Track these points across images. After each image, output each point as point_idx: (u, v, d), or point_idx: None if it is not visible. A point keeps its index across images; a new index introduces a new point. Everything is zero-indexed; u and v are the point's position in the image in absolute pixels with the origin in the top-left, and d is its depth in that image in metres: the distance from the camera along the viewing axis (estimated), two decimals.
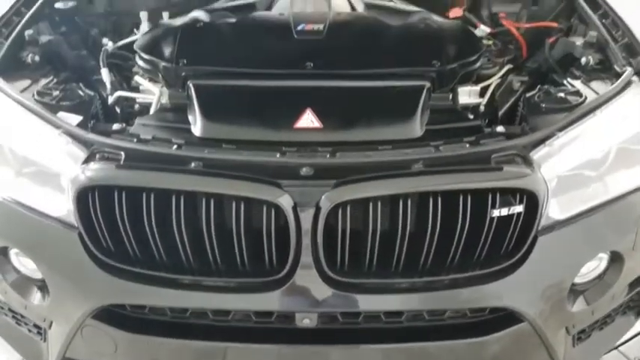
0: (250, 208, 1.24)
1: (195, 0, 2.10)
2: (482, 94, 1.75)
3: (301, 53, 1.59)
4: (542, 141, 1.35)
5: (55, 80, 1.68)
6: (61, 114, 1.48)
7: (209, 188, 1.23)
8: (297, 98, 1.48)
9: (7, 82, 1.57)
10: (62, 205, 1.32)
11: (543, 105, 1.53)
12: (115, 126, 1.48)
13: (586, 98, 1.52)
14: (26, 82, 1.62)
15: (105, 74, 1.74)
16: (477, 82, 1.75)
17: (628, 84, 1.51)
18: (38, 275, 1.41)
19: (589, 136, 1.40)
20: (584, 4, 1.86)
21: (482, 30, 1.98)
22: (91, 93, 1.65)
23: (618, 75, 1.56)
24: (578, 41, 1.74)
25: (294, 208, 1.21)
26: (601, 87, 1.57)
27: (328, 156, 1.31)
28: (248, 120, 1.44)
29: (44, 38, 1.78)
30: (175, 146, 1.33)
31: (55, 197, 1.33)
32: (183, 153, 1.29)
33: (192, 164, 1.26)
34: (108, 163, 1.27)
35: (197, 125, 1.43)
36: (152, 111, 1.62)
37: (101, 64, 1.75)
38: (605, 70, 1.65)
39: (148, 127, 1.47)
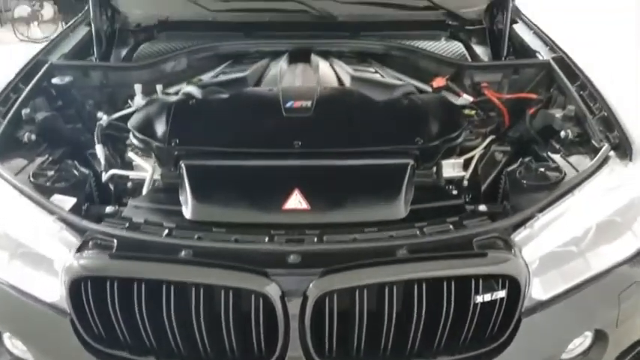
0: (239, 296, 1.27)
1: (188, 71, 2.18)
2: (465, 165, 1.81)
3: (290, 132, 1.64)
4: (522, 223, 1.39)
5: (50, 159, 1.72)
6: (56, 196, 1.52)
7: (198, 279, 1.27)
8: (285, 179, 1.52)
9: (4, 162, 1.61)
10: (55, 291, 1.34)
11: (524, 182, 1.58)
12: (108, 209, 1.52)
13: (565, 175, 1.57)
14: (23, 162, 1.66)
15: (99, 151, 1.78)
16: (460, 154, 1.80)
17: (605, 160, 1.57)
18: (30, 357, 1.42)
19: (568, 215, 1.44)
20: (562, 76, 1.93)
21: (465, 99, 2.04)
22: (86, 171, 1.69)
23: (596, 150, 1.61)
24: (558, 113, 1.81)
25: (282, 297, 1.24)
26: (580, 162, 1.62)
27: (315, 240, 1.35)
28: (238, 202, 1.48)
29: (40, 115, 1.82)
30: (166, 231, 1.37)
31: (48, 283, 1.35)
32: (174, 241, 1.32)
33: (183, 252, 1.29)
34: (100, 254, 1.30)
35: (188, 208, 1.46)
36: (145, 189, 1.65)
37: (96, 140, 1.80)
38: (583, 143, 1.70)
39: (140, 210, 1.50)
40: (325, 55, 2.18)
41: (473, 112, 1.99)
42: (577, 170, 1.58)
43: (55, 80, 1.96)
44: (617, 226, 1.50)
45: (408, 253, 1.29)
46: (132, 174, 1.74)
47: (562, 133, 1.74)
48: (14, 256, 1.43)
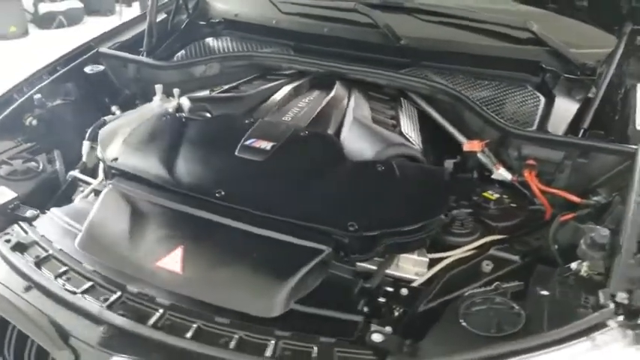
0: None
1: (220, 78, 2.07)
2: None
3: (223, 175, 1.44)
4: None
5: (36, 147, 1.79)
6: (1, 188, 1.57)
7: (18, 322, 1.22)
8: (181, 232, 1.32)
9: None
10: None
11: (464, 324, 1.12)
12: (29, 213, 1.51)
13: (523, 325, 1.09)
14: (9, 145, 1.76)
15: (85, 148, 1.80)
16: (438, 250, 1.38)
17: (593, 329, 1.01)
18: None
19: None
20: (636, 179, 1.32)
21: (501, 174, 1.56)
22: (54, 168, 1.72)
23: (597, 307, 1.06)
24: (593, 233, 1.23)
25: None
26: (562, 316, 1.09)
27: (158, 315, 1.17)
28: (123, 244, 1.32)
29: (53, 102, 1.90)
30: (43, 256, 1.35)
31: None
32: (34, 277, 1.27)
33: (23, 286, 1.23)
34: None
35: (80, 235, 1.36)
36: (77, 200, 1.61)
37: (87, 135, 1.81)
38: (593, 287, 1.14)
39: (52, 222, 1.47)
40: (354, 85, 1.87)
41: (495, 196, 1.51)
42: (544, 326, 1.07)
43: (86, 69, 2.03)
44: None
45: None
46: (87, 179, 1.71)
47: (573, 265, 1.20)
48: None
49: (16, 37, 6.92)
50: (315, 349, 1.09)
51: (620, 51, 1.64)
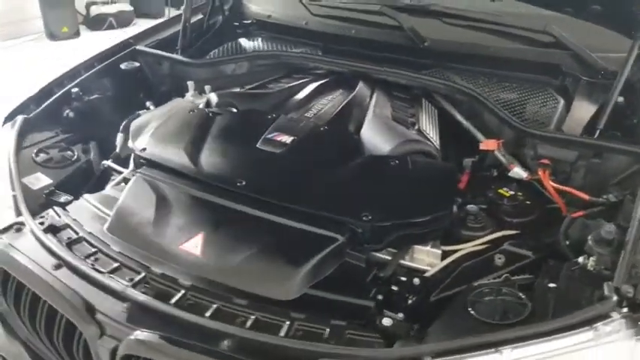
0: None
1: (248, 76, 2.15)
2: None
3: (245, 166, 1.51)
4: None
5: (67, 139, 1.87)
6: (38, 175, 1.68)
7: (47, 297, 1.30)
8: (203, 218, 1.39)
9: (33, 132, 1.83)
10: None
11: (471, 312, 1.16)
12: (63, 198, 1.61)
13: (529, 312, 1.13)
14: (46, 135, 1.86)
15: (119, 139, 1.89)
16: (453, 243, 1.42)
17: (597, 319, 1.03)
18: None
19: None
20: None
21: (517, 173, 1.58)
22: (87, 157, 1.82)
23: (602, 298, 1.08)
24: (605, 229, 1.24)
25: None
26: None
27: (179, 295, 1.23)
28: (149, 228, 1.38)
29: (89, 96, 2.01)
30: (74, 238, 1.43)
31: None
32: (65, 256, 1.35)
33: (52, 264, 1.32)
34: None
35: (109, 220, 1.45)
36: (108, 187, 1.71)
37: (121, 127, 1.92)
38: (598, 279, 1.16)
39: (84, 208, 1.56)
40: (377, 84, 1.92)
41: (509, 193, 1.53)
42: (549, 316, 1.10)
43: (122, 65, 2.14)
44: None
45: (230, 347, 1.10)
46: (120, 169, 1.78)
47: (580, 259, 1.23)
48: None
49: (67, 37, 7.17)
50: (327, 330, 1.14)
51: (633, 55, 1.64)
